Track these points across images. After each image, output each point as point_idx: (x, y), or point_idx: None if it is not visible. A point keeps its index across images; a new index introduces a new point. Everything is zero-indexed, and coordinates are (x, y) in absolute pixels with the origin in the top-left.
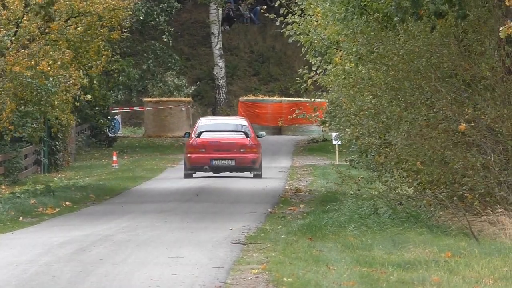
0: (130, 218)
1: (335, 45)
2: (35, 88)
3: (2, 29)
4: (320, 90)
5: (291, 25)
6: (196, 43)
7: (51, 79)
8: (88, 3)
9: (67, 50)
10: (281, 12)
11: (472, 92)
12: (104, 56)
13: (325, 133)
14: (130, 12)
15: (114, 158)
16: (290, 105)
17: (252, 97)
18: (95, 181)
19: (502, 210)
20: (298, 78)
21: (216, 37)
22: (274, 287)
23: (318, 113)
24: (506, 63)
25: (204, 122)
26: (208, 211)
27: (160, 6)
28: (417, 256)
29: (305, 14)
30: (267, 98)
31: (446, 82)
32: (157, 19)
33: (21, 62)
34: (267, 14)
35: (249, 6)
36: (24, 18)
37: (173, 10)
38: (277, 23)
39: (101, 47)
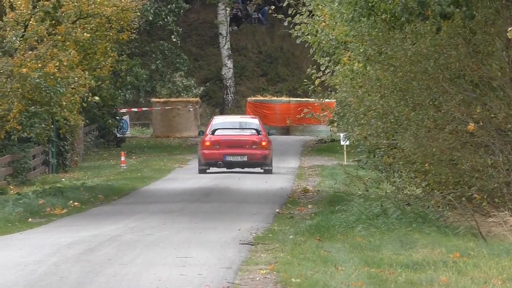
0: (138, 219)
1: (343, 45)
2: (43, 89)
3: (10, 31)
4: (328, 90)
5: (299, 25)
6: (204, 43)
7: (58, 79)
8: (96, 5)
9: (74, 52)
10: (289, 12)
11: (480, 93)
12: (111, 58)
13: (333, 133)
14: (138, 13)
15: (122, 158)
16: (298, 106)
17: (260, 98)
18: (103, 181)
19: (511, 210)
20: (306, 80)
21: (224, 38)
22: None
23: (326, 112)
24: None
25: (218, 120)
26: (216, 212)
27: (169, 6)
28: (425, 256)
29: (313, 15)
30: (275, 98)
31: (454, 83)
32: (165, 19)
33: (29, 64)
34: (275, 15)
35: (257, 6)
36: (32, 20)
37: (181, 11)
38: (285, 24)
39: (108, 48)
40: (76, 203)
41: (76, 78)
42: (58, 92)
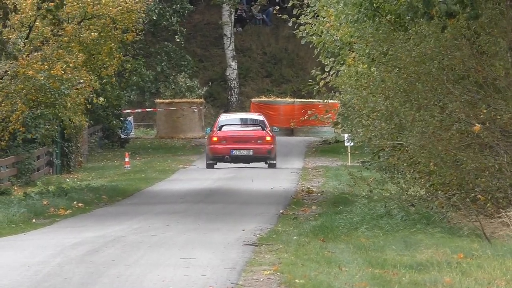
0: (142, 219)
1: (348, 46)
2: (48, 90)
3: (14, 32)
4: (332, 91)
5: (304, 26)
6: (208, 44)
7: (63, 81)
8: (101, 6)
9: (82, 55)
10: (294, 13)
11: (485, 94)
12: (116, 59)
13: (337, 135)
14: (143, 14)
15: (127, 159)
16: (302, 107)
17: (264, 99)
18: (107, 182)
19: None
20: (310, 80)
21: (229, 39)
22: None
23: (330, 114)
24: None
25: (225, 117)
26: (220, 212)
27: (173, 7)
28: (429, 257)
29: (317, 16)
30: (279, 99)
31: (458, 84)
32: (169, 20)
33: (34, 65)
34: (280, 15)
35: (261, 7)
36: (37, 21)
37: (186, 12)
38: (290, 24)
39: (114, 49)
40: (80, 204)
41: (81, 80)
42: (63, 93)
